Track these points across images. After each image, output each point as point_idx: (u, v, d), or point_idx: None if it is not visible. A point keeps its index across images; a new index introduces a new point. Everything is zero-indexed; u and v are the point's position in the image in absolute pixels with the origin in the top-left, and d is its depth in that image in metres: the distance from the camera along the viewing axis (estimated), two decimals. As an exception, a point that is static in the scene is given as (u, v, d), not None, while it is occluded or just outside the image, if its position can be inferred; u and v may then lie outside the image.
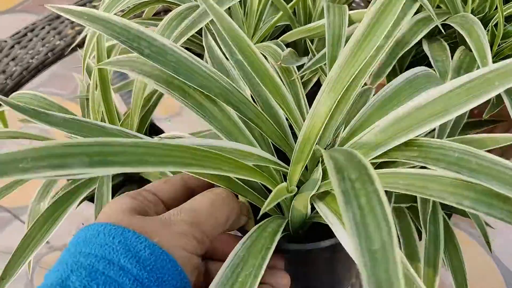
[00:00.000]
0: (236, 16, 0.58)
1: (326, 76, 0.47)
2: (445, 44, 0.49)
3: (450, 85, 0.31)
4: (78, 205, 0.48)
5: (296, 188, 0.34)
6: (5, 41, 0.87)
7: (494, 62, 0.47)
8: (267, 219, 0.33)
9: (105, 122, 0.49)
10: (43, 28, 0.88)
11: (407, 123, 0.31)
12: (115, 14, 0.48)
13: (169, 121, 0.91)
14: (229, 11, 0.57)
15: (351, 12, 0.49)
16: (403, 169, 0.30)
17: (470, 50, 0.49)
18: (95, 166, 0.23)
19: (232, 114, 0.36)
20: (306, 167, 0.35)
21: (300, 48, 0.59)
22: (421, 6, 0.55)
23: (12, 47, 0.86)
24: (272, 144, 0.37)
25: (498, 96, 0.41)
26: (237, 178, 0.33)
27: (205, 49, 0.42)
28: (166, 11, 0.84)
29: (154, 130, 0.63)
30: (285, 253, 0.34)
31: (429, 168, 0.29)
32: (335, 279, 0.44)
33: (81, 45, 0.83)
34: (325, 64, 0.47)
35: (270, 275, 0.33)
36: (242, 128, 0.36)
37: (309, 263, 0.39)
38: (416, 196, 0.52)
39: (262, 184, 0.35)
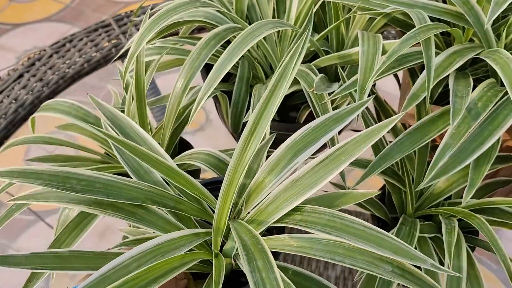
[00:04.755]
0: (270, 39, 0.59)
1: (354, 101, 0.48)
2: (471, 80, 0.50)
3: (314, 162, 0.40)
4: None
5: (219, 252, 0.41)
6: (44, 50, 0.90)
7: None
8: (208, 278, 0.40)
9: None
10: (81, 39, 0.92)
11: (290, 193, 0.40)
12: (155, 33, 0.50)
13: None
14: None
15: (384, 42, 0.50)
16: (295, 234, 0.39)
17: (501, 85, 0.50)
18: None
19: (158, 211, 0.42)
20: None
21: (330, 73, 0.60)
22: (453, 40, 0.55)
23: (51, 56, 0.89)
24: (201, 220, 0.45)
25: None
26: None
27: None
28: (200, 29, 0.86)
29: (183, 143, 0.65)
30: None
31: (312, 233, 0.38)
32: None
33: (112, 58, 0.86)
34: (355, 91, 0.48)
35: None
36: (169, 219, 0.43)
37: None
38: (440, 227, 0.52)
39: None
